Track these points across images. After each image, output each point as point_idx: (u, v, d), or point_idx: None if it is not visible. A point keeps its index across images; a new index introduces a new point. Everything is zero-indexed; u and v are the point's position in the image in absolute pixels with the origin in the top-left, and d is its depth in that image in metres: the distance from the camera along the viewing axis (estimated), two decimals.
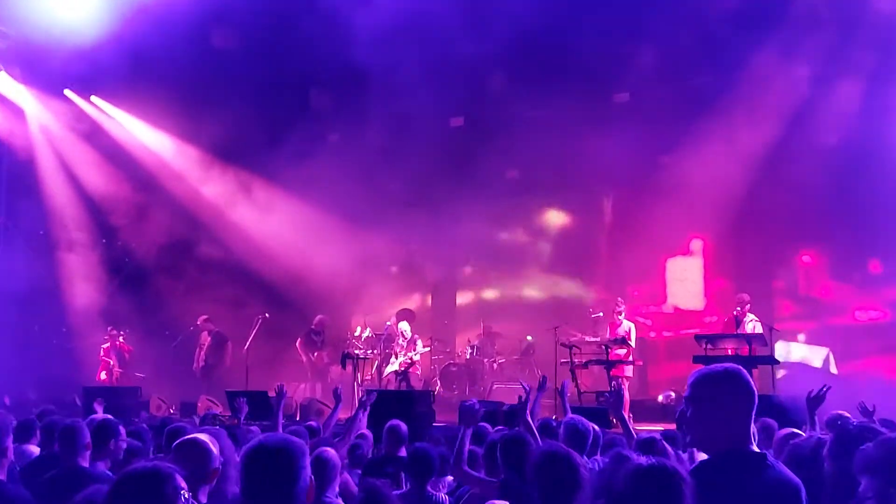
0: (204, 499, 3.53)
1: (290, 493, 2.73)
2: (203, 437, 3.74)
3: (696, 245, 16.80)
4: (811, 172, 14.27)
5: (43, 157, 17.06)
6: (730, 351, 13.02)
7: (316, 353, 16.14)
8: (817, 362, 14.94)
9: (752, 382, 3.04)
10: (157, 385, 15.83)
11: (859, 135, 14.02)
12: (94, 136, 17.61)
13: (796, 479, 3.00)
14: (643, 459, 2.60)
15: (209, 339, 16.09)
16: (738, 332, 12.89)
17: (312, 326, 16.31)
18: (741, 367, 3.09)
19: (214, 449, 3.66)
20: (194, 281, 17.73)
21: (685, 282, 16.92)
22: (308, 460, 2.84)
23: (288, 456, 2.75)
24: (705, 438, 3.05)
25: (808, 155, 14.33)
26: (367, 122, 16.54)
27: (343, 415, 12.36)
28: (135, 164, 18.01)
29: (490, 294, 18.40)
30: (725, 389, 3.00)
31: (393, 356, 15.20)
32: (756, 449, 2.99)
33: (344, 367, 15.20)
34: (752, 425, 3.01)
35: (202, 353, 16.04)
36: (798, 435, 5.31)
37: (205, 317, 16.32)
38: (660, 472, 2.54)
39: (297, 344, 16.22)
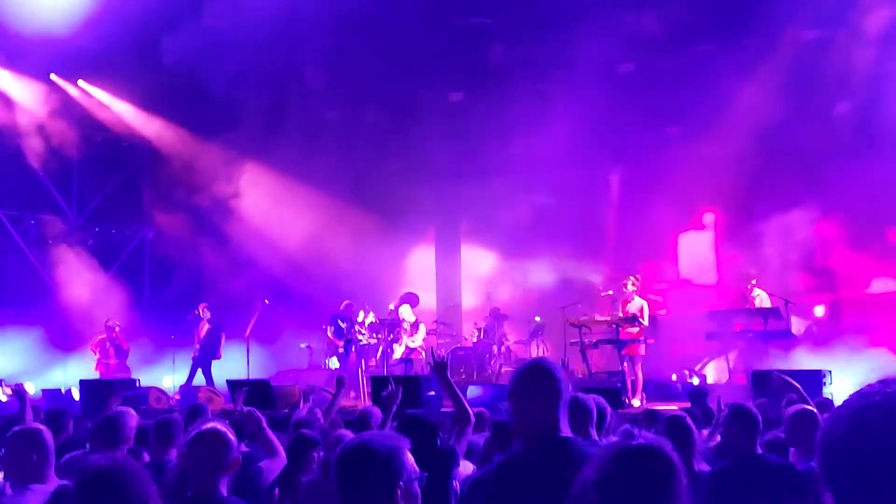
0: (224, 490, 3.54)
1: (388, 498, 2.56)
2: (221, 426, 3.73)
3: (709, 218, 16.38)
4: (825, 140, 13.90)
5: (30, 142, 16.60)
6: (742, 326, 12.69)
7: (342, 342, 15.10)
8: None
9: (559, 371, 3.19)
10: (158, 376, 15.51)
11: (873, 100, 13.63)
12: (82, 120, 17.23)
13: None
14: (631, 440, 2.35)
15: (206, 328, 15.68)
16: (747, 307, 12.54)
17: (339, 311, 15.34)
18: (545, 359, 3.48)
19: (233, 438, 3.65)
20: (192, 267, 17.40)
21: (697, 257, 16.51)
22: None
23: (386, 458, 2.59)
24: (520, 429, 3.19)
25: (821, 122, 13.96)
26: (364, 100, 16.11)
27: (346, 402, 12.05)
28: (125, 148, 17.67)
29: (496, 275, 17.97)
30: (530, 381, 3.18)
31: (396, 343, 14.78)
32: (567, 434, 3.11)
33: (347, 353, 14.83)
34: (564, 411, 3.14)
35: (198, 342, 15.61)
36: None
37: (204, 304, 15.91)
38: (646, 454, 2.26)
39: (329, 333, 15.26)
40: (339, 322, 15.21)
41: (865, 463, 1.77)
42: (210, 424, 3.78)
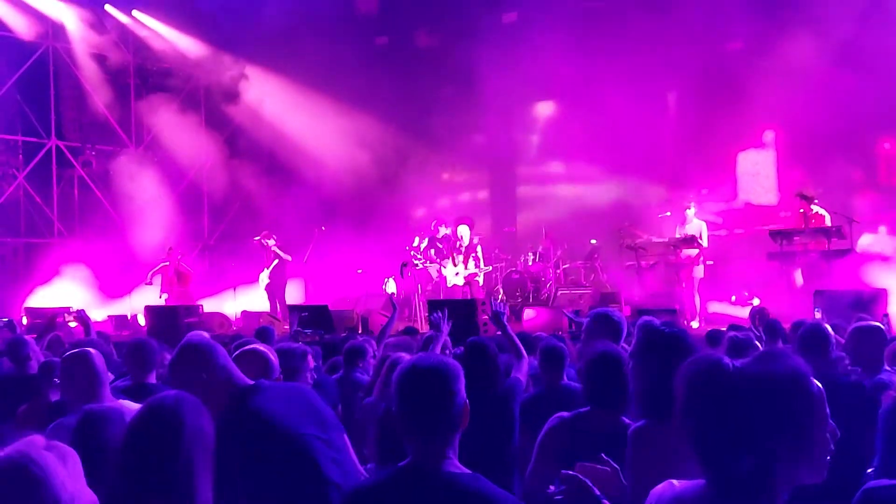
0: None
1: (445, 417, 2.59)
2: (262, 346, 3.82)
3: (769, 136, 15.94)
4: (891, 54, 13.33)
5: (88, 72, 16.84)
6: (804, 246, 12.45)
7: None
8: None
9: None
10: (220, 303, 15.81)
11: None
12: (137, 50, 17.50)
13: None
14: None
15: (269, 255, 15.84)
16: (809, 226, 12.27)
17: (431, 231, 15.05)
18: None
19: (273, 359, 3.73)
20: (249, 195, 17.60)
21: (757, 176, 16.12)
22: (463, 383, 2.64)
23: (442, 378, 2.60)
24: None
25: (887, 36, 13.38)
26: (415, 25, 15.91)
27: (401, 325, 12.15)
28: (179, 78, 17.81)
29: (552, 197, 17.82)
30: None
31: (451, 263, 14.66)
32: None
33: (403, 276, 14.89)
34: None
35: (264, 270, 15.80)
36: None
37: (266, 232, 16.04)
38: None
39: (431, 253, 14.84)
40: (438, 244, 14.99)
41: None
42: (252, 345, 3.92)
